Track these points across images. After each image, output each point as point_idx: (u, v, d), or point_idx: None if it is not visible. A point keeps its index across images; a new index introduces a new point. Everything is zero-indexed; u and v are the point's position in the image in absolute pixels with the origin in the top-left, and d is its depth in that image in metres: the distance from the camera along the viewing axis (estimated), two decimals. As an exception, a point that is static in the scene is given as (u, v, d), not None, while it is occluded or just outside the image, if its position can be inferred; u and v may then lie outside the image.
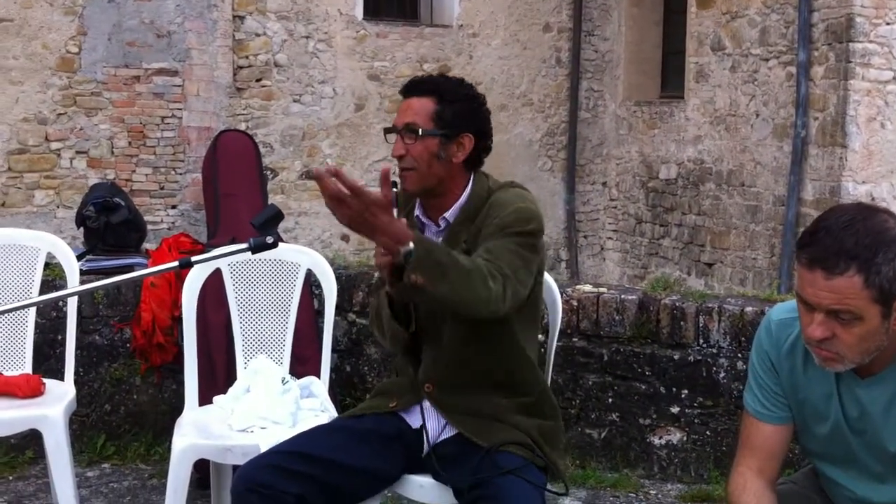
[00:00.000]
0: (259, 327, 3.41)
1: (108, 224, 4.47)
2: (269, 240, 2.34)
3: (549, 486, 2.56)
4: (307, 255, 3.42)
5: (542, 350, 2.93)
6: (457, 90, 2.60)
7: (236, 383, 3.29)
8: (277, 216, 2.42)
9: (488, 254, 2.43)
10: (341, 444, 2.58)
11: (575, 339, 4.24)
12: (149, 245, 4.83)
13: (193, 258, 2.35)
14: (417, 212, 2.66)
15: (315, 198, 10.13)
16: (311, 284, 4.11)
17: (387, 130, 2.63)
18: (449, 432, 2.63)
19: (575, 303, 4.20)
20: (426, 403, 2.65)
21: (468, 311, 2.38)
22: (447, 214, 2.61)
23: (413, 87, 2.60)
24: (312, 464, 2.52)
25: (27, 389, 3.33)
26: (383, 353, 4.40)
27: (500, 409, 2.60)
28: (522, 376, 2.64)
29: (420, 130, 2.53)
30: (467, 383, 2.59)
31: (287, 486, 2.47)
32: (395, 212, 2.38)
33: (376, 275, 2.49)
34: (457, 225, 2.59)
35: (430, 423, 2.65)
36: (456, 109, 2.56)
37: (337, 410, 3.25)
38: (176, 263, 2.34)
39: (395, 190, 2.45)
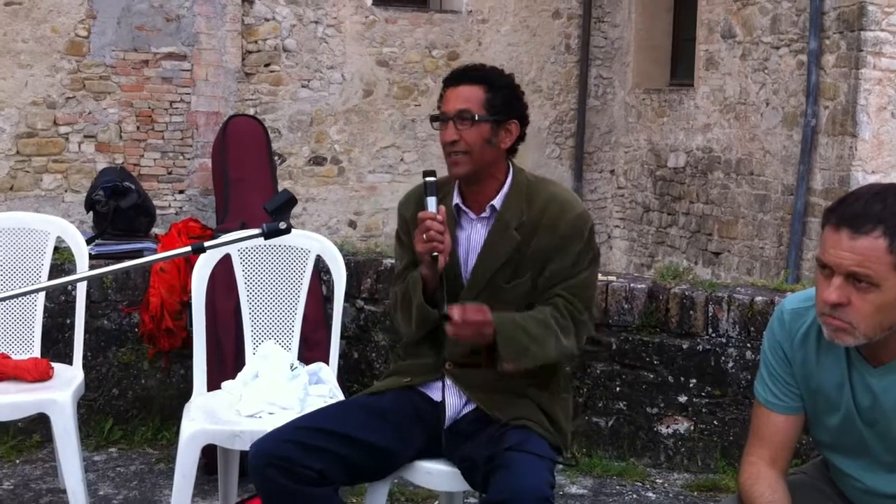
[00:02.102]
0: (268, 313, 3.41)
1: (117, 208, 4.47)
2: (283, 225, 2.33)
3: (560, 460, 2.65)
4: (317, 241, 3.42)
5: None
6: (503, 78, 2.70)
7: (245, 368, 3.29)
8: (291, 202, 2.42)
9: (569, 292, 2.64)
10: (361, 422, 2.60)
11: (583, 328, 4.23)
12: (157, 230, 4.83)
13: (206, 243, 2.34)
14: (456, 200, 2.71)
15: (322, 184, 10.13)
16: (320, 271, 4.11)
17: (433, 118, 2.71)
18: (469, 407, 2.68)
19: (584, 291, 4.19)
20: (447, 381, 2.69)
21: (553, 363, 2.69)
22: (494, 202, 2.69)
23: (461, 76, 2.68)
24: (333, 439, 2.53)
25: (35, 373, 3.34)
26: (391, 340, 4.40)
27: (520, 384, 2.64)
28: None
29: (476, 116, 2.62)
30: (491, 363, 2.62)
31: (309, 461, 2.48)
32: (434, 202, 2.57)
33: (393, 262, 2.54)
34: (505, 212, 2.67)
35: (451, 398, 2.69)
36: (504, 97, 2.67)
37: (344, 397, 3.25)
38: (189, 249, 2.33)
39: (433, 179, 2.62)
